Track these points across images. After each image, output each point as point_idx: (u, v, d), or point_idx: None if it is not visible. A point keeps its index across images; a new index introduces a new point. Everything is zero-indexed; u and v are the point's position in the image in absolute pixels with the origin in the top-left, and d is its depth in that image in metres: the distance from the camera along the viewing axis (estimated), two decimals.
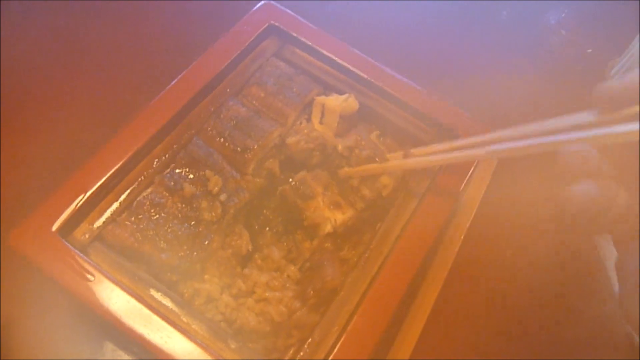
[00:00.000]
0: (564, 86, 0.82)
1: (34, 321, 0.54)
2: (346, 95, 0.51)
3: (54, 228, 0.41)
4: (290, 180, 0.49)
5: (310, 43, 0.53)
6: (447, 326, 0.60)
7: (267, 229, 0.50)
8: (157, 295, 0.40)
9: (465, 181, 0.48)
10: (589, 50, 0.77)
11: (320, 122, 0.52)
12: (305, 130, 0.51)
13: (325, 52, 0.53)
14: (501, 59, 0.84)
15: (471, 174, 0.49)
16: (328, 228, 0.48)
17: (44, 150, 0.63)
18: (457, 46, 0.84)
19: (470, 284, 0.63)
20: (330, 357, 0.39)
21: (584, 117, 0.33)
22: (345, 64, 0.53)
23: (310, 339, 0.40)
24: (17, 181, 0.61)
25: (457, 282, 0.62)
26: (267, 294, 0.44)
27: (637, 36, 0.66)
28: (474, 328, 0.60)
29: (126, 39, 0.74)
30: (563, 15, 0.77)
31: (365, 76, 0.52)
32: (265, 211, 0.51)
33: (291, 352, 0.44)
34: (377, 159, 0.48)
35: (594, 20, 0.75)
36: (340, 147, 0.48)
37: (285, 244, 0.50)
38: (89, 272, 0.39)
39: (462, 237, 0.60)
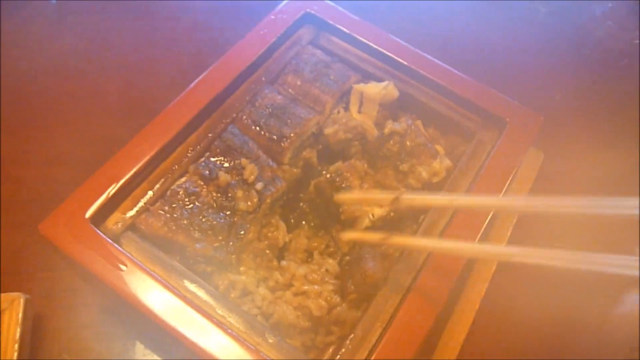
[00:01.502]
0: (611, 80, 0.78)
1: (65, 318, 0.53)
2: (386, 82, 0.49)
3: (87, 216, 0.39)
4: (324, 172, 0.47)
5: (347, 30, 0.52)
6: (497, 322, 0.56)
7: (304, 222, 0.48)
8: (192, 287, 0.38)
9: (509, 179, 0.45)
10: (637, 42, 0.73)
11: (359, 111, 0.49)
12: (344, 120, 0.49)
13: (362, 39, 0.51)
14: (546, 53, 0.81)
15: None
16: (366, 222, 0.46)
17: (77, 146, 0.63)
18: (500, 41, 0.81)
19: (518, 279, 0.59)
20: (374, 356, 0.36)
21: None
22: (383, 50, 0.51)
23: (352, 335, 0.38)
24: (52, 176, 0.61)
25: (505, 277, 0.58)
26: (305, 287, 0.41)
27: None
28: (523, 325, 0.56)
29: (158, 38, 0.74)
30: (610, 5, 0.73)
31: (405, 63, 0.50)
32: (301, 204, 0.48)
33: (331, 350, 0.42)
34: (429, 146, 0.45)
35: None
36: (386, 131, 0.46)
37: (322, 237, 0.48)
38: (121, 262, 0.38)
39: (508, 234, 0.57)
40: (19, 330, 0.47)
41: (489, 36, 0.81)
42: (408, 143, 0.47)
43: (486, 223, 0.41)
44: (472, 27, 0.82)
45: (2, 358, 0.47)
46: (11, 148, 0.62)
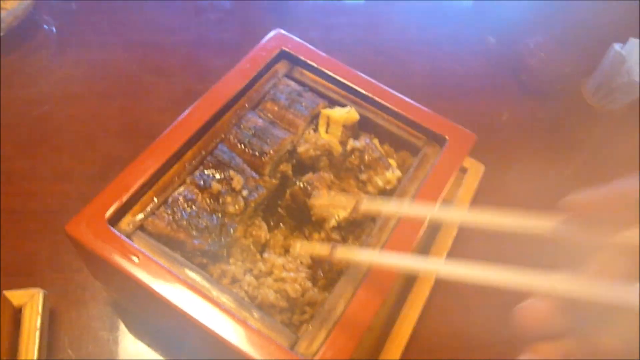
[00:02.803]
0: (545, 102, 0.90)
1: (77, 312, 0.61)
2: (348, 108, 0.60)
3: (105, 218, 0.48)
4: (298, 182, 0.57)
5: (315, 65, 0.62)
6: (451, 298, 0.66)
7: (281, 224, 0.58)
8: (191, 274, 0.48)
9: (446, 188, 0.56)
10: (567, 70, 0.85)
11: (326, 132, 0.60)
12: (313, 139, 0.59)
13: (328, 72, 0.62)
14: (489, 80, 0.93)
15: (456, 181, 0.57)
16: (333, 222, 0.56)
17: (82, 163, 0.72)
18: (451, 68, 0.93)
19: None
20: (337, 325, 0.46)
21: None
22: (345, 81, 0.61)
23: (320, 309, 0.47)
24: (59, 190, 0.69)
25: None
26: (283, 275, 0.51)
27: (606, 54, 0.75)
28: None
29: (152, 68, 0.84)
30: (541, 39, 0.86)
31: (363, 92, 0.61)
32: (279, 209, 0.58)
33: (304, 327, 0.51)
34: (383, 159, 0.56)
35: (568, 43, 0.84)
36: (349, 148, 0.56)
37: (297, 236, 0.57)
38: (134, 254, 0.47)
39: (454, 233, 0.67)
40: (39, 320, 0.56)
41: (442, 64, 0.93)
42: (366, 157, 0.57)
43: (424, 226, 0.52)
44: (427, 56, 0.93)
45: (25, 347, 0.54)
46: (23, 165, 0.71)
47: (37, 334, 0.55)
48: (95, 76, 0.82)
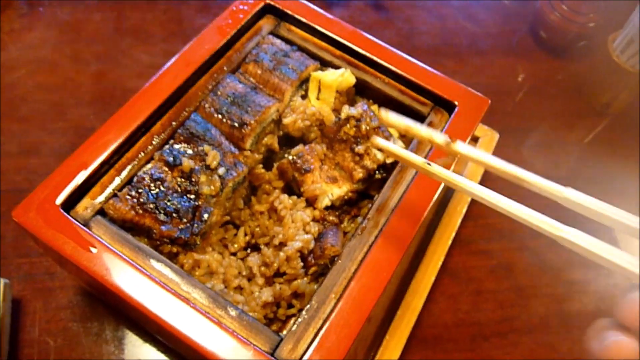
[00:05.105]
0: (567, 61, 0.81)
1: (44, 300, 0.55)
2: (342, 70, 0.52)
3: (57, 203, 0.42)
4: (286, 155, 0.50)
5: (305, 20, 0.54)
6: (450, 299, 0.60)
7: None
8: (158, 266, 0.41)
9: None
10: (591, 25, 0.76)
11: (317, 98, 0.52)
12: (302, 108, 0.51)
13: (320, 29, 0.54)
14: (504, 38, 0.84)
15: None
16: (326, 202, 0.49)
17: (51, 136, 0.65)
18: (458, 27, 0.84)
19: (475, 257, 0.63)
20: (326, 325, 0.40)
21: None
22: (340, 39, 0.53)
23: (308, 306, 0.41)
24: (26, 165, 0.63)
25: (460, 256, 0.62)
26: (268, 260, 0.44)
27: (637, 7, 0.65)
28: (476, 302, 0.60)
29: (128, 28, 0.76)
30: None
31: (361, 51, 0.53)
32: (265, 185, 0.51)
33: (292, 321, 0.45)
34: (382, 129, 0.48)
35: None
36: (343, 116, 0.48)
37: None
38: (91, 244, 0.40)
39: (464, 211, 0.60)
40: None
41: (452, 21, 0.84)
42: (363, 127, 0.49)
43: (428, 208, 0.45)
44: (435, 13, 0.84)
45: None
46: None
47: None
48: (66, 39, 0.74)
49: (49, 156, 0.64)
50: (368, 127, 0.50)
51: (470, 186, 0.36)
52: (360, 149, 0.49)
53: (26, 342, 0.53)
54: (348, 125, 0.49)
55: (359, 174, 0.49)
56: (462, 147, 0.38)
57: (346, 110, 0.49)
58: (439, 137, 0.38)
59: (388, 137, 0.50)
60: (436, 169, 0.38)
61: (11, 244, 0.58)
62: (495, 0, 0.88)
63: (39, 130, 0.66)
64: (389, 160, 0.49)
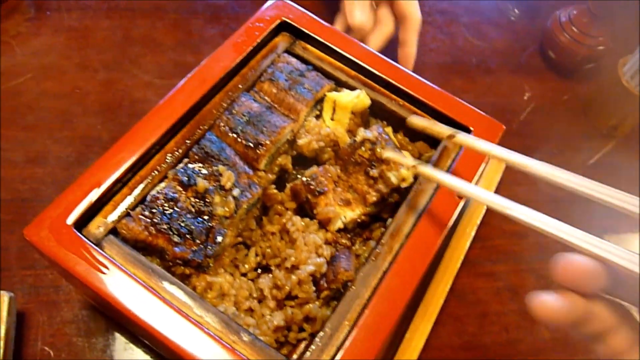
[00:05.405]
0: (575, 84, 0.82)
1: (48, 314, 0.55)
2: (358, 91, 0.51)
3: (69, 222, 0.41)
4: (300, 176, 0.49)
5: (321, 39, 0.54)
6: (457, 321, 0.60)
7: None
8: (171, 288, 0.41)
9: (475, 179, 0.48)
10: (600, 48, 0.76)
11: (332, 119, 0.52)
12: (316, 129, 0.51)
13: (336, 48, 0.53)
14: (512, 57, 0.84)
15: (482, 172, 0.49)
16: (339, 224, 0.49)
17: (57, 145, 0.64)
18: (467, 44, 0.84)
19: (481, 279, 0.63)
20: (342, 352, 0.39)
21: None
22: (356, 59, 0.53)
23: (322, 333, 0.41)
24: (31, 175, 0.62)
25: (467, 277, 0.62)
26: (279, 282, 0.44)
27: None
28: (482, 324, 0.60)
29: (137, 36, 0.75)
30: (574, 12, 0.76)
31: (376, 72, 0.52)
32: (277, 206, 0.51)
33: (302, 345, 0.45)
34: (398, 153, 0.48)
35: (604, 18, 0.74)
36: (358, 138, 0.48)
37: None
38: (103, 265, 0.40)
39: (472, 233, 0.60)
40: (3, 328, 0.49)
41: (461, 38, 0.84)
42: (378, 150, 0.49)
43: (443, 235, 0.45)
44: (444, 30, 0.84)
45: None
46: None
47: (1, 344, 0.49)
48: (74, 45, 0.73)
49: (54, 166, 0.63)
50: (383, 151, 0.49)
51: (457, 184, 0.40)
52: (374, 172, 0.49)
53: (29, 355, 0.52)
54: (363, 148, 0.49)
55: (373, 197, 0.48)
56: (463, 137, 0.43)
57: (362, 134, 0.49)
58: (445, 130, 0.45)
59: None
60: (424, 169, 0.44)
61: (15, 255, 0.57)
62: (504, 17, 0.88)
63: (45, 138, 0.65)
64: (403, 185, 0.49)
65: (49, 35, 0.74)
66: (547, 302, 0.30)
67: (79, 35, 0.75)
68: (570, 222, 0.33)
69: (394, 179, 0.48)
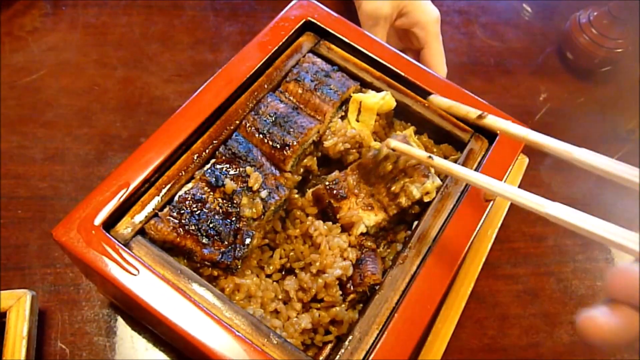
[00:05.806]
0: (593, 86, 0.81)
1: (69, 313, 0.54)
2: (383, 92, 0.51)
3: (97, 222, 0.41)
4: (323, 182, 0.49)
5: (346, 39, 0.53)
6: (477, 324, 0.60)
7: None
8: (200, 290, 0.40)
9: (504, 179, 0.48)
10: (619, 50, 0.76)
11: (357, 120, 0.51)
12: (342, 131, 0.50)
13: (361, 49, 0.53)
14: (530, 58, 0.84)
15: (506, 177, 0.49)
16: (362, 228, 0.48)
17: (76, 142, 0.64)
18: (485, 45, 0.83)
19: (501, 282, 0.63)
20: (372, 356, 0.39)
21: None
22: (381, 60, 0.53)
23: (350, 337, 0.40)
24: (50, 172, 0.62)
25: (487, 280, 0.62)
26: (305, 285, 0.44)
27: None
28: (502, 327, 0.60)
29: (153, 33, 0.74)
30: (595, 14, 0.76)
31: (401, 73, 0.52)
32: (297, 211, 0.50)
33: (328, 348, 0.45)
34: (421, 166, 0.47)
35: (625, 20, 0.74)
36: (383, 152, 0.48)
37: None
38: (132, 266, 0.40)
39: (494, 235, 0.60)
40: (26, 326, 0.49)
41: (479, 39, 0.84)
42: (402, 162, 0.48)
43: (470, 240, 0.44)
44: (462, 29, 0.84)
45: (10, 355, 0.48)
46: (10, 144, 0.63)
47: (24, 342, 0.48)
48: (92, 42, 0.73)
49: (73, 163, 0.63)
50: (407, 164, 0.48)
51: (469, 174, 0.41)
52: (395, 188, 0.48)
53: (50, 355, 0.52)
54: (387, 162, 0.48)
55: (393, 210, 0.48)
56: (494, 119, 0.43)
57: (385, 149, 0.48)
58: (472, 111, 0.44)
59: (427, 175, 0.48)
60: (437, 161, 0.43)
61: (36, 253, 0.57)
62: (520, 18, 0.88)
63: (63, 135, 0.64)
64: (426, 199, 0.48)
65: (65, 31, 0.74)
66: (599, 320, 0.26)
67: (96, 31, 0.74)
68: None
69: (416, 193, 0.47)
